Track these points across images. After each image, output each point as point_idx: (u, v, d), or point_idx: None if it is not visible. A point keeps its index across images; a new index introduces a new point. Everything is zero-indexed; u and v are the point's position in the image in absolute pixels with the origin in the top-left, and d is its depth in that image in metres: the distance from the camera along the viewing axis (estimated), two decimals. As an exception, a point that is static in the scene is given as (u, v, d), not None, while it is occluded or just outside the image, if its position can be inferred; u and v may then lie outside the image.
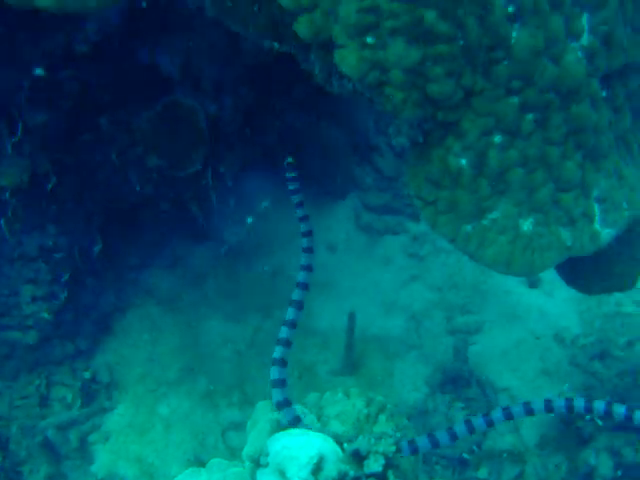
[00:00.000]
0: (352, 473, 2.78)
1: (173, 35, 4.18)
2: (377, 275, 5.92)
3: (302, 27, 2.66)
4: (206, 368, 5.42)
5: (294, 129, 5.14)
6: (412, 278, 5.96)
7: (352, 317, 5.11)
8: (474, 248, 3.00)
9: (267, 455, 2.92)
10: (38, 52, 4.03)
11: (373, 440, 2.88)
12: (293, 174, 3.90)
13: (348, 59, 2.65)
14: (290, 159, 3.99)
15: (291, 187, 3.90)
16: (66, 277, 4.84)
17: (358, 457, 2.82)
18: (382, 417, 3.67)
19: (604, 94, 3.02)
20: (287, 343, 3.68)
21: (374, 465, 2.79)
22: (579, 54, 2.86)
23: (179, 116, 4.17)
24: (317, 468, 2.77)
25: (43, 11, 2.65)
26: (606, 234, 3.15)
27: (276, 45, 2.94)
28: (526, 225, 3.01)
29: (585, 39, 2.85)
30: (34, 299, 4.92)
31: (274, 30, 2.87)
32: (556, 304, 5.84)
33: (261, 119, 4.70)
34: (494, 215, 2.97)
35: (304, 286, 3.82)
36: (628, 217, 3.17)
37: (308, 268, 3.85)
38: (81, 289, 5.13)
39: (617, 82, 3.03)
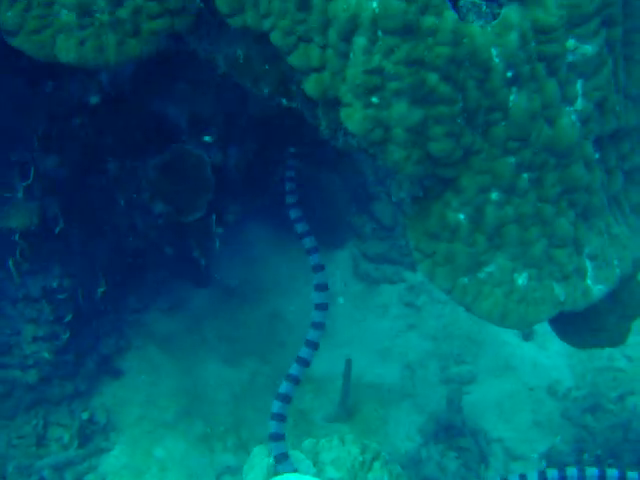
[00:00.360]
0: (348, 518, 2.84)
1: (182, 85, 4.32)
2: (374, 323, 6.01)
3: (310, 86, 2.79)
4: (203, 411, 5.47)
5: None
6: (408, 327, 6.05)
7: (349, 363, 5.18)
8: (470, 300, 3.10)
9: (264, 499, 2.98)
10: (53, 100, 4.17)
11: (368, 486, 2.94)
12: (293, 162, 4.07)
13: (353, 117, 2.77)
14: (293, 149, 4.15)
15: (288, 174, 4.08)
16: (68, 318, 4.92)
17: (354, 502, 2.88)
18: (376, 464, 3.74)
19: (597, 156, 3.14)
20: (295, 380, 3.79)
21: (369, 510, 2.85)
22: (573, 118, 2.98)
23: (185, 164, 4.30)
24: (314, 512, 2.83)
25: (64, 64, 2.79)
26: (597, 290, 3.25)
27: (284, 101, 3.07)
28: (521, 279, 3.10)
29: (579, 104, 2.98)
30: (35, 339, 4.98)
31: (283, 87, 3.01)
32: (549, 357, 5.93)
33: (264, 168, 4.83)
34: (490, 269, 3.07)
35: (319, 325, 3.94)
36: (619, 274, 3.27)
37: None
38: (83, 330, 5.20)
39: (609, 145, 3.15)
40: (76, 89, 4.14)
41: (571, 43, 2.90)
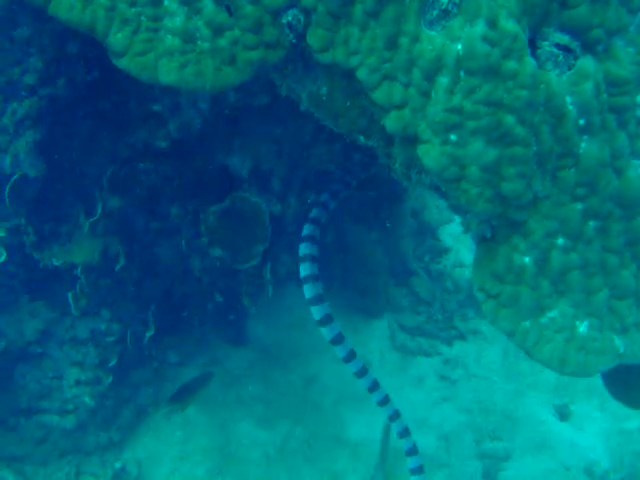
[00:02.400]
0: None
1: (246, 139, 4.46)
2: (409, 393, 5.99)
3: (391, 121, 2.91)
4: (234, 470, 5.43)
5: (345, 240, 5.40)
6: (443, 399, 6.02)
7: (387, 429, 5.16)
8: (531, 344, 3.12)
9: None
10: (122, 144, 4.33)
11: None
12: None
13: (430, 153, 2.88)
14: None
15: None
16: (113, 362, 4.95)
17: None
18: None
19: (660, 212, 3.23)
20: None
21: None
22: (640, 171, 3.09)
23: (244, 212, 4.41)
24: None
25: (165, 86, 2.93)
26: (656, 346, 3.28)
27: (362, 138, 3.19)
28: (582, 327, 3.14)
29: (646, 158, 3.10)
30: (78, 382, 5.00)
31: (362, 125, 3.13)
32: (586, 438, 5.86)
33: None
34: (552, 314, 3.12)
35: None
36: (677, 330, 3.31)
37: None
38: (124, 378, 5.22)
39: (673, 201, 3.24)
40: (144, 134, 4.30)
41: (641, 98, 3.03)
